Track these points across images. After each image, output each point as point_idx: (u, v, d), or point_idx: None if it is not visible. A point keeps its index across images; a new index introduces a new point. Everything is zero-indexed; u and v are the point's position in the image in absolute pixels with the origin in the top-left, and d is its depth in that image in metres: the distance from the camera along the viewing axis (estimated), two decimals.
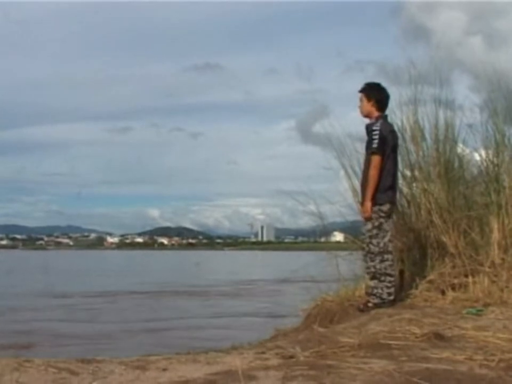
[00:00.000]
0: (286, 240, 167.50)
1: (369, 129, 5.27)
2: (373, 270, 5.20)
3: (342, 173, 6.19)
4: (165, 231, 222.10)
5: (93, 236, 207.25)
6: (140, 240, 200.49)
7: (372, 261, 5.19)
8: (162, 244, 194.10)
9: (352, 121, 6.04)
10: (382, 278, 5.16)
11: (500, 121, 6.10)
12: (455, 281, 5.52)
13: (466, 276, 5.54)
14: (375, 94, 5.34)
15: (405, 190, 6.17)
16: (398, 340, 3.72)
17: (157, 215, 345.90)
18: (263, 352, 3.67)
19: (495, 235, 5.64)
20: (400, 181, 5.97)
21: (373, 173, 5.12)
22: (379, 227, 5.17)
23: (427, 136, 6.18)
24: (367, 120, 5.39)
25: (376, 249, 5.17)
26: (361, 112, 5.43)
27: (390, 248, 5.23)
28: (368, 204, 5.12)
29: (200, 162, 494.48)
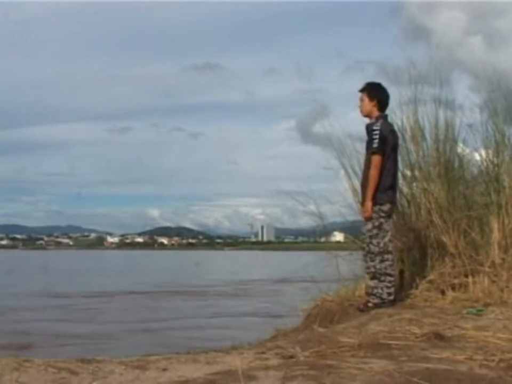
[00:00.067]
0: (286, 240, 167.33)
1: (369, 129, 5.27)
2: (373, 270, 5.20)
3: (342, 173, 6.20)
4: (165, 231, 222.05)
5: (93, 235, 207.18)
6: (140, 240, 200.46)
7: (372, 260, 5.19)
8: (162, 243, 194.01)
9: (352, 121, 6.05)
10: (382, 278, 5.16)
11: (499, 121, 6.10)
12: (455, 281, 5.51)
13: (466, 275, 5.54)
14: (377, 94, 5.34)
15: (405, 189, 6.18)
16: (398, 340, 3.72)
17: (157, 215, 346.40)
18: (263, 352, 3.67)
19: (495, 235, 5.64)
20: (400, 181, 5.97)
21: (373, 172, 5.12)
22: (379, 227, 5.17)
23: (427, 136, 6.19)
24: (367, 120, 5.39)
25: (376, 249, 5.17)
26: (362, 111, 5.43)
27: (390, 248, 5.22)
28: (369, 203, 5.12)
29: (200, 162, 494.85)
